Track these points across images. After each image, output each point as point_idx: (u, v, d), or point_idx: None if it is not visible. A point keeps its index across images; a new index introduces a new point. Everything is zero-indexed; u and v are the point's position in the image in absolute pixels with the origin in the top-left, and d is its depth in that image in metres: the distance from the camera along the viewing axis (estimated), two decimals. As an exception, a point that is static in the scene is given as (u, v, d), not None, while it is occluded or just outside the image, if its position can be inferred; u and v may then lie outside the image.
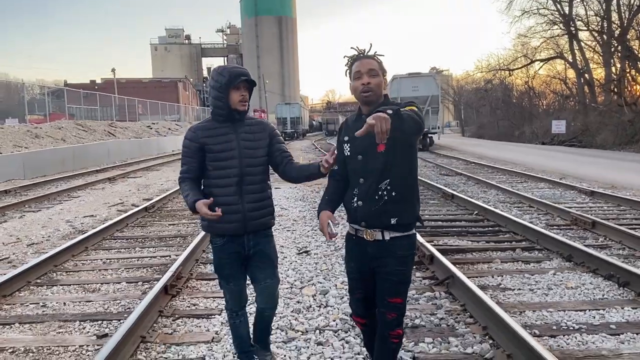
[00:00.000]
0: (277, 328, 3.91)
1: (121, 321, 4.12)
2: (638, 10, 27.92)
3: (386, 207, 2.50)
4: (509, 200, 10.04)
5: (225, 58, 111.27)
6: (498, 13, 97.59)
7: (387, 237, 2.53)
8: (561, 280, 4.96)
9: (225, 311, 3.26)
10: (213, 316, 4.22)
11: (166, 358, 3.51)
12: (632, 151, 22.78)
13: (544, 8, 34.11)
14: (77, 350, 3.71)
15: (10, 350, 3.72)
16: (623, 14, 29.19)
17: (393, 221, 2.51)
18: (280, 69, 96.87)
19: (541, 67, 39.33)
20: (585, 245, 6.01)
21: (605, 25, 30.48)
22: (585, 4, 32.16)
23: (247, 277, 3.06)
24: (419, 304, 4.43)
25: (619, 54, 29.69)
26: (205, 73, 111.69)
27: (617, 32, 29.56)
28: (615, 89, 28.64)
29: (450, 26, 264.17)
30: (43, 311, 4.53)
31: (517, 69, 40.36)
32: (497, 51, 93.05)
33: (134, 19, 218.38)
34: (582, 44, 33.19)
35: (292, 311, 4.28)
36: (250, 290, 3.22)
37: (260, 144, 2.90)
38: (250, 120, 2.95)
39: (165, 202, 10.49)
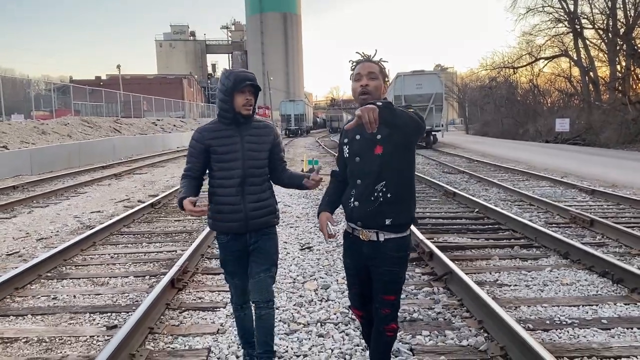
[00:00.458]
0: (280, 321, 4.06)
1: (129, 313, 4.27)
2: (643, 9, 27.88)
3: (381, 208, 2.56)
4: (510, 198, 10.16)
5: (230, 55, 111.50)
6: (503, 11, 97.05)
7: (381, 239, 2.59)
8: (557, 277, 5.09)
9: (230, 304, 3.39)
10: (218, 309, 4.37)
11: (173, 348, 3.66)
12: (636, 150, 22.80)
13: (549, 6, 34.13)
14: (87, 340, 3.87)
15: (24, 340, 3.88)
16: (628, 12, 29.18)
17: (388, 222, 2.57)
18: (285, 66, 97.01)
19: (546, 64, 39.38)
20: (583, 243, 6.13)
21: (611, 23, 30.45)
22: (590, 1, 32.16)
23: None
24: (417, 298, 4.57)
25: (624, 52, 29.67)
26: (210, 69, 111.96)
27: (622, 30, 29.54)
28: (620, 87, 28.63)
29: (455, 24, 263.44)
30: (54, 303, 4.69)
31: (521, 66, 40.35)
32: (502, 49, 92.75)
33: (139, 15, 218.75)
34: (587, 42, 33.16)
35: (294, 305, 4.43)
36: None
37: (264, 147, 3.00)
38: (257, 123, 3.04)
39: (170, 198, 10.65)
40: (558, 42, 35.92)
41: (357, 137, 2.66)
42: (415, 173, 10.30)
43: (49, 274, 5.52)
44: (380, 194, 2.56)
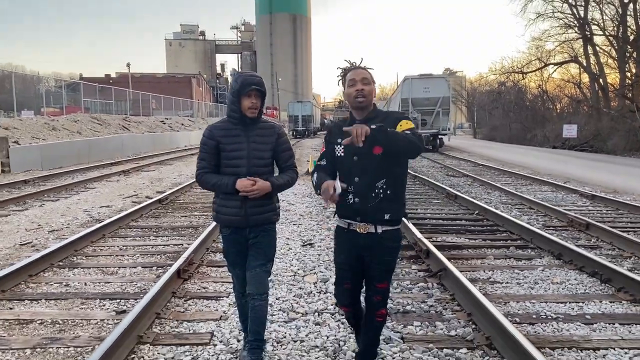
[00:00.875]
0: (280, 310, 4.29)
1: (138, 300, 4.50)
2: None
3: (381, 204, 2.77)
4: (510, 201, 10.33)
5: (239, 55, 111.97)
6: (513, 16, 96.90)
7: (379, 231, 2.80)
8: (548, 276, 5.27)
9: (232, 293, 3.61)
10: (221, 298, 4.60)
11: (179, 332, 3.89)
12: (642, 157, 22.84)
13: (559, 12, 34.23)
14: (98, 323, 4.11)
15: (38, 322, 4.12)
16: (639, 19, 29.17)
17: (387, 217, 2.79)
18: (294, 67, 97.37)
19: (555, 70, 39.41)
20: (577, 245, 6.30)
21: (621, 30, 30.48)
22: (601, 8, 32.19)
23: None
24: (411, 292, 4.77)
25: (634, 59, 29.68)
26: (219, 69, 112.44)
27: (632, 37, 29.56)
28: (629, 95, 28.64)
29: (465, 28, 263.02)
30: (66, 290, 4.93)
31: (530, 72, 40.36)
32: (511, 54, 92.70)
33: (149, 14, 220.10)
34: (597, 48, 33.18)
35: (294, 296, 4.65)
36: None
37: (267, 147, 3.17)
38: (263, 124, 3.22)
39: (177, 195, 10.91)
40: (568, 47, 36.02)
41: None
42: (419, 175, 10.60)
43: (60, 263, 5.77)
44: (381, 191, 2.77)
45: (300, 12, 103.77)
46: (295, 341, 3.71)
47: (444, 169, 17.76)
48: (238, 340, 3.67)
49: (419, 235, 6.34)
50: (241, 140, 3.14)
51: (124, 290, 4.93)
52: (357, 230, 2.83)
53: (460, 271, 5.00)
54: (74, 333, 3.93)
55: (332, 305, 4.39)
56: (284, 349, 3.60)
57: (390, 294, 4.60)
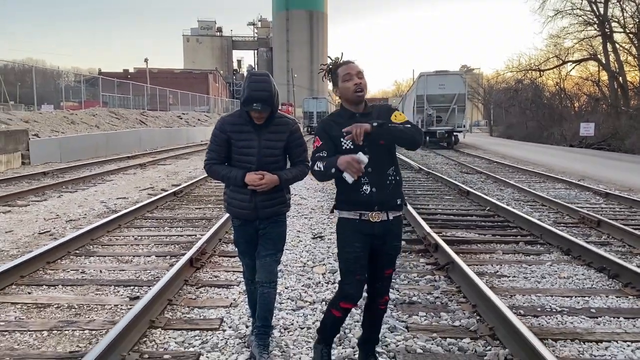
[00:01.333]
0: (288, 298, 4.39)
1: (151, 287, 4.62)
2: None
3: (394, 190, 2.87)
4: (523, 198, 10.30)
5: (256, 51, 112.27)
6: (531, 12, 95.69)
7: (391, 217, 2.87)
8: (555, 271, 5.30)
9: (243, 281, 3.72)
10: (232, 286, 4.72)
11: (190, 317, 4.01)
12: (660, 156, 22.52)
13: (578, 9, 33.76)
14: (112, 308, 4.25)
15: (55, 306, 4.28)
16: (659, 17, 28.72)
17: (398, 201, 2.90)
18: (309, 64, 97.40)
19: (573, 68, 38.93)
20: (587, 242, 6.30)
21: (641, 27, 30.02)
22: (621, 5, 31.71)
23: None
24: (418, 285, 4.84)
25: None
26: (235, 65, 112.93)
27: (652, 34, 29.11)
28: (648, 93, 28.23)
29: (482, 25, 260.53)
30: (82, 276, 5.09)
31: (548, 69, 39.94)
32: (529, 51, 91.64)
33: (167, 10, 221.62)
34: (617, 46, 32.71)
35: (302, 285, 4.75)
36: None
37: (280, 143, 3.20)
38: (277, 120, 3.20)
39: (192, 188, 11.07)
40: (587, 45, 35.51)
41: None
42: (432, 172, 10.71)
43: (77, 251, 5.94)
44: (392, 178, 2.87)
45: (317, 8, 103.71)
46: (302, 328, 3.81)
47: (458, 166, 17.71)
48: (247, 327, 3.78)
49: (428, 229, 6.39)
50: (252, 137, 3.16)
51: (138, 277, 5.07)
52: (370, 219, 2.84)
53: (468, 265, 5.04)
54: (88, 317, 4.07)
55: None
56: (290, 335, 3.70)
57: (397, 286, 4.71)
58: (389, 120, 2.80)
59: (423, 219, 7.16)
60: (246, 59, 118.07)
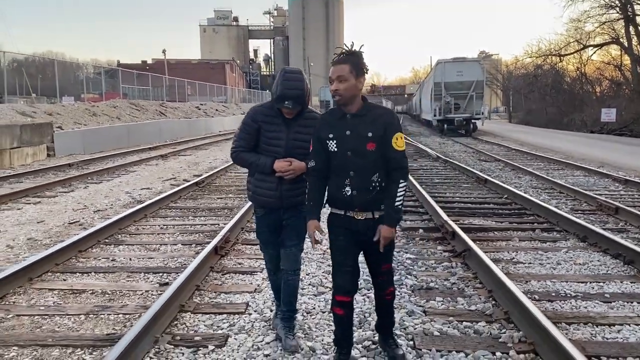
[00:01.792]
0: (309, 284, 4.58)
1: (179, 274, 4.84)
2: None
3: (377, 196, 2.84)
4: (541, 186, 10.33)
5: (272, 40, 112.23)
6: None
7: (376, 216, 2.87)
8: (571, 257, 5.40)
9: (265, 268, 3.89)
10: (255, 273, 4.92)
11: (217, 302, 4.23)
12: (683, 142, 22.16)
13: (599, -8, 33.11)
14: (143, 294, 4.48)
15: (90, 292, 4.53)
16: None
17: (383, 207, 2.87)
18: (326, 52, 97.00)
19: (594, 52, 38.30)
20: (604, 229, 6.36)
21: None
22: (644, -14, 31.04)
23: None
24: (435, 271, 4.99)
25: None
26: (251, 55, 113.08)
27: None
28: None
29: (501, 10, 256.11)
30: (113, 264, 5.34)
31: (568, 54, 39.39)
32: (549, 36, 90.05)
33: (183, 0, 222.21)
34: (640, 29, 32.09)
35: (323, 272, 4.93)
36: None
37: (308, 137, 3.22)
38: (307, 114, 3.28)
39: (214, 178, 11.31)
40: (609, 28, 34.89)
41: (348, 132, 2.84)
42: (450, 160, 10.81)
43: (107, 240, 6.20)
44: (377, 184, 2.84)
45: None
46: (323, 312, 3.99)
47: (475, 154, 17.70)
48: (271, 310, 3.98)
49: (445, 217, 6.51)
50: (281, 129, 3.27)
51: (166, 265, 5.30)
52: (354, 217, 2.88)
53: (484, 252, 5.16)
54: (122, 302, 4.31)
55: (359, 280, 4.63)
56: (313, 318, 3.89)
57: (414, 272, 4.86)
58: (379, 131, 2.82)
59: (440, 207, 7.28)
60: (262, 48, 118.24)
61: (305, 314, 3.96)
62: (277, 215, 3.41)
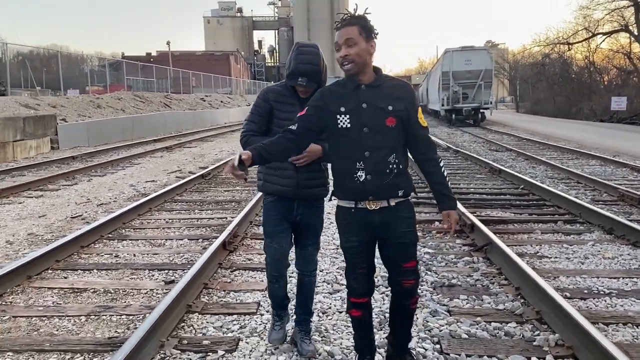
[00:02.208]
0: (324, 281, 4.31)
1: (185, 271, 4.59)
2: None
3: (396, 179, 2.50)
4: (557, 176, 10.02)
5: (276, 31, 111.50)
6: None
7: (392, 203, 2.52)
8: (599, 251, 5.11)
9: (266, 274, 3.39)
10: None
11: (226, 301, 3.97)
12: (697, 130, 21.72)
13: (609, -22, 32.49)
14: (148, 292, 4.23)
15: (92, 291, 4.28)
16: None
17: (400, 193, 2.53)
18: (331, 42, 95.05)
19: (603, 40, 37.67)
20: (630, 220, 6.06)
21: (676, -4, 28.81)
22: (654, -27, 30.41)
23: (291, 242, 3.14)
24: (456, 266, 4.71)
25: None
26: (256, 46, 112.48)
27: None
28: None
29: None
30: (116, 260, 5.09)
31: (577, 42, 38.76)
32: (557, 24, 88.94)
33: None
34: (650, 16, 31.48)
35: (337, 268, 4.66)
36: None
37: None
38: None
39: (220, 170, 11.05)
40: (618, 16, 34.29)
41: (364, 105, 2.48)
42: (461, 150, 10.41)
43: (110, 235, 5.95)
44: (395, 166, 2.49)
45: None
46: (340, 312, 3.73)
47: (486, 144, 17.36)
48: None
49: (462, 209, 6.23)
50: (296, 110, 2.90)
51: (172, 261, 5.05)
52: (367, 207, 2.52)
53: (507, 245, 4.88)
54: (125, 302, 4.06)
55: (375, 277, 4.36)
56: (329, 319, 3.63)
57: (434, 268, 4.58)
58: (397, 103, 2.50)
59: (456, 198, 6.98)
60: (267, 39, 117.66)
61: (320, 314, 3.70)
62: (289, 207, 3.05)
